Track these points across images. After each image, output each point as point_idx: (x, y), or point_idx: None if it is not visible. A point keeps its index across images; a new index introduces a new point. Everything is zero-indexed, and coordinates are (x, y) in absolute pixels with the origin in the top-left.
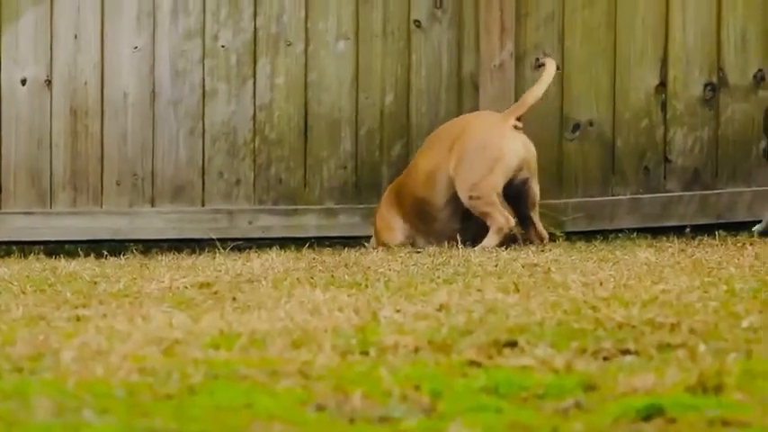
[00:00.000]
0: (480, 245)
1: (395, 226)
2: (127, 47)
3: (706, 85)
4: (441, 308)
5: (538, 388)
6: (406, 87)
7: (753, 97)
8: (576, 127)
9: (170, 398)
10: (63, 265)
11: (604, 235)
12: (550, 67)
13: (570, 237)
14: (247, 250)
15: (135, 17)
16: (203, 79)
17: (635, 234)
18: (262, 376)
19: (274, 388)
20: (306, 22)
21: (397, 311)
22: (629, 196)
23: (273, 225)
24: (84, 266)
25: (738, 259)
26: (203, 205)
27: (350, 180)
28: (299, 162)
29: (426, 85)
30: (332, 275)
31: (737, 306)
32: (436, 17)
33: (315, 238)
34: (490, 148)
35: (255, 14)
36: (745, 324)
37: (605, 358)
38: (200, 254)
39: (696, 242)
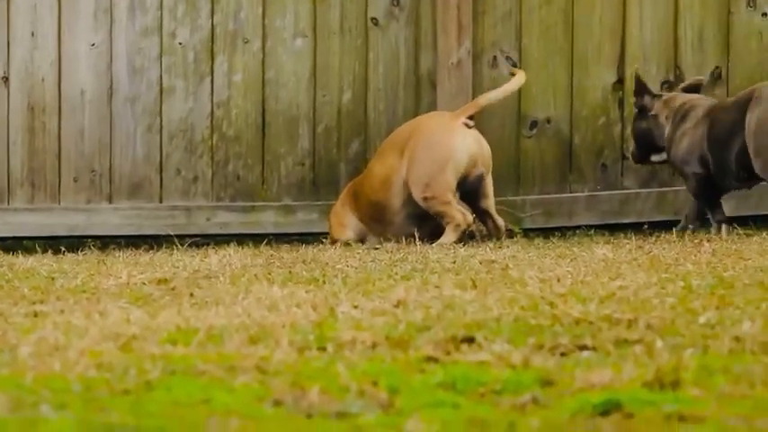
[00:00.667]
0: (438, 242)
1: (347, 223)
2: (84, 44)
3: (663, 83)
4: (398, 304)
5: (495, 383)
6: (364, 85)
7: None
8: (534, 124)
9: (127, 393)
10: (20, 261)
11: (562, 232)
12: (517, 80)
13: (528, 233)
14: (205, 247)
15: (92, 14)
16: (161, 76)
17: (593, 231)
18: (219, 372)
19: (232, 383)
20: (263, 19)
21: (355, 307)
22: (586, 193)
23: (231, 221)
24: (42, 262)
25: (695, 256)
26: (161, 202)
27: (307, 177)
28: (256, 159)
29: (384, 83)
30: (290, 272)
31: (694, 302)
32: (393, 15)
33: (273, 234)
34: (440, 147)
35: (213, 12)
36: (701, 320)
37: (562, 354)
38: (157, 250)
39: (653, 239)
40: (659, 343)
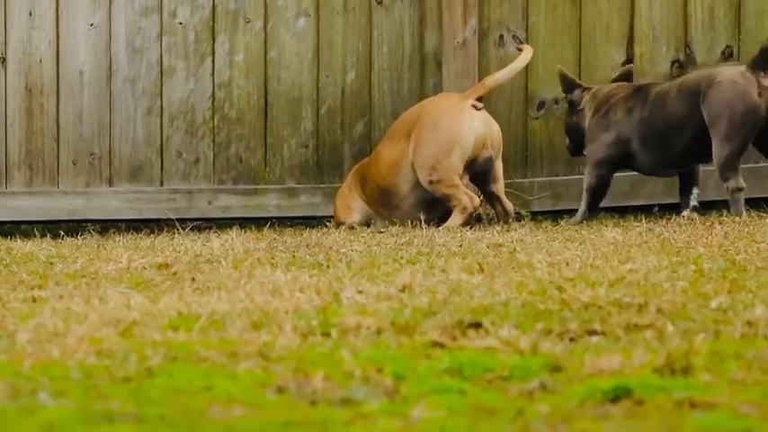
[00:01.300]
0: (444, 225)
1: (354, 206)
2: (82, 24)
3: (673, 62)
4: (404, 288)
5: (502, 370)
6: (368, 65)
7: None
8: (542, 105)
9: (128, 380)
10: (18, 245)
11: (571, 214)
12: (525, 56)
13: (536, 216)
14: (207, 230)
15: None
16: (161, 57)
17: (602, 213)
18: (221, 358)
19: (234, 370)
20: None
21: (359, 292)
22: None
23: (233, 205)
24: (41, 247)
25: (707, 238)
26: (162, 185)
27: (311, 159)
28: (259, 141)
29: (388, 63)
30: (293, 256)
31: (706, 286)
32: None
33: (275, 217)
34: (446, 129)
35: None
36: (713, 304)
37: (571, 339)
38: (158, 234)
39: (664, 221)
40: (670, 328)
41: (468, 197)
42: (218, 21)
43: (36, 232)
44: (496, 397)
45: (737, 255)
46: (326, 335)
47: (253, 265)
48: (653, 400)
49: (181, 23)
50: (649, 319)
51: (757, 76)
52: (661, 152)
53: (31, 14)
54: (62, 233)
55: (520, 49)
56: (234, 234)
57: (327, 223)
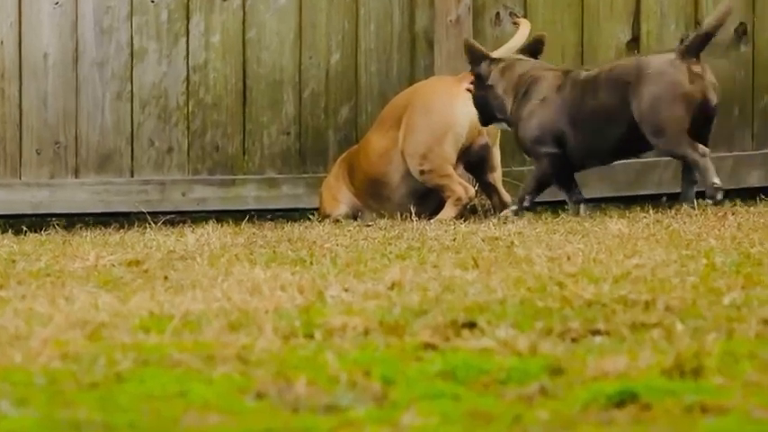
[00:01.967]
0: (436, 217)
1: (341, 197)
2: (47, 3)
3: (682, 40)
4: (393, 286)
5: (499, 372)
6: (354, 45)
7: (734, 53)
8: None
9: (95, 386)
10: None
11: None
12: (522, 32)
13: (535, 207)
14: (181, 224)
15: None
16: (131, 38)
17: (606, 204)
18: (196, 362)
19: (210, 375)
20: None
21: (345, 290)
22: None
23: (209, 197)
24: (1, 243)
25: (719, 230)
26: (132, 176)
27: (293, 147)
28: (237, 128)
29: (376, 43)
30: (273, 251)
31: (718, 281)
32: None
33: (255, 210)
34: (438, 115)
35: None
36: (726, 301)
37: (573, 339)
38: (128, 229)
39: (673, 212)
40: (679, 326)
41: (462, 187)
42: None
43: None
44: (493, 402)
45: (752, 247)
46: (310, 336)
47: (230, 262)
48: (661, 404)
49: (153, 2)
50: (657, 318)
51: (689, 64)
52: (592, 142)
53: None
54: (25, 228)
55: (516, 24)
56: (210, 228)
57: (311, 216)
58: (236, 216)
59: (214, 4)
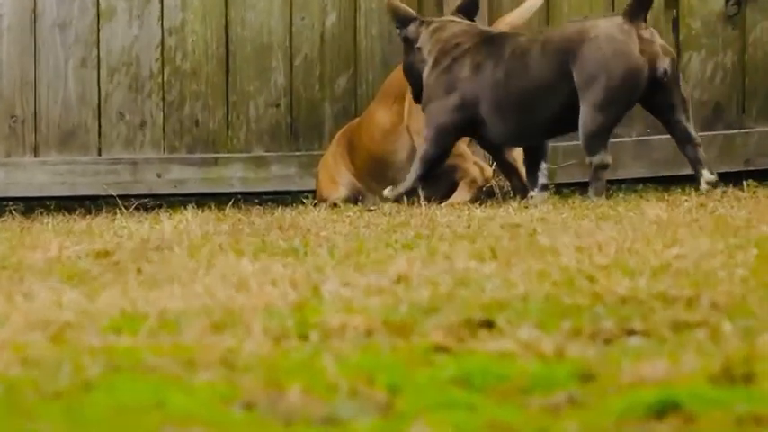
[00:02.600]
0: (448, 201)
1: (340, 179)
2: None
3: None
4: (399, 280)
5: (521, 379)
6: (353, 4)
7: None
8: None
9: (60, 396)
10: None
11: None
12: None
13: (561, 189)
14: (156, 210)
15: None
16: None
17: (642, 185)
18: (175, 368)
19: (191, 382)
20: None
21: (345, 285)
22: (634, 138)
23: (188, 178)
24: None
25: None
26: (99, 154)
27: (283, 121)
28: (219, 99)
29: (378, 2)
30: (262, 241)
31: None
32: None
33: (240, 193)
34: None
35: None
36: None
37: (606, 341)
38: (96, 215)
39: (719, 194)
40: (727, 326)
41: (477, 168)
42: None
43: None
44: (514, 413)
45: None
46: (304, 338)
47: (213, 253)
48: (707, 415)
49: None
50: (701, 316)
51: (637, 28)
52: (519, 122)
53: None
54: None
55: None
56: (189, 214)
57: (305, 200)
58: (220, 200)
59: None
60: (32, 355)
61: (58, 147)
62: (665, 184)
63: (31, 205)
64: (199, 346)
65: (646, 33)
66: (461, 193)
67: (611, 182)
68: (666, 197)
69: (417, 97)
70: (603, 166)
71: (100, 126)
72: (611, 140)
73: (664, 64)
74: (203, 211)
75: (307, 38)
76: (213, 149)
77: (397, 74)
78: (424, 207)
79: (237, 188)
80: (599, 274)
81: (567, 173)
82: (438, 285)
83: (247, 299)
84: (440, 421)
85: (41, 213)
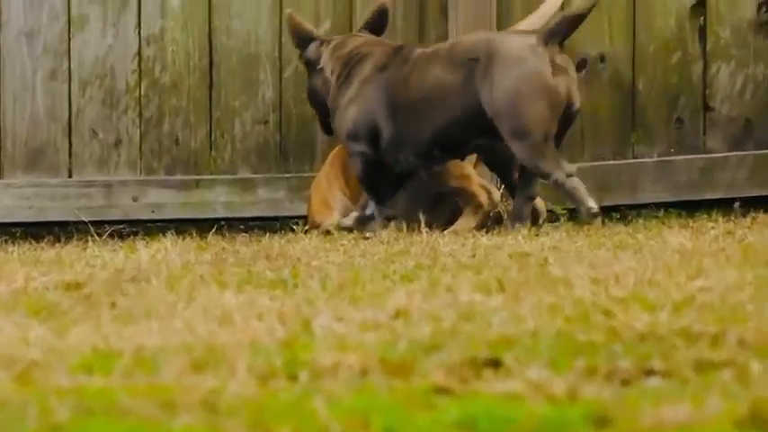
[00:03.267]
0: (452, 228)
1: (334, 202)
2: None
3: (761, 5)
4: (397, 314)
5: (530, 423)
6: (348, 11)
7: None
8: (583, 64)
9: None
10: None
11: (622, 212)
12: None
13: (575, 215)
14: (132, 237)
15: None
16: (68, 1)
17: (664, 210)
18: (152, 410)
19: (169, 426)
20: None
21: (338, 320)
22: (656, 159)
23: (167, 202)
24: None
25: None
26: (70, 176)
27: (272, 139)
28: (201, 115)
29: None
30: (248, 271)
31: None
32: None
33: (225, 219)
34: None
35: None
36: None
37: (623, 382)
38: (66, 242)
39: (748, 221)
40: (755, 366)
41: (484, 191)
42: None
43: None
44: None
45: None
46: (293, 378)
47: (194, 285)
48: None
49: None
50: (728, 355)
51: (552, 52)
52: (416, 136)
53: None
54: None
55: None
56: (168, 242)
57: (295, 226)
58: (202, 226)
59: None
60: None
61: (24, 167)
62: (690, 209)
63: None
64: (178, 387)
65: (560, 60)
66: (466, 219)
67: (629, 207)
68: (691, 224)
69: (324, 127)
70: (570, 174)
71: (71, 145)
72: (629, 161)
73: (576, 98)
74: (183, 239)
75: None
76: (195, 171)
77: None
78: (425, 234)
79: (221, 213)
80: (616, 308)
81: None
82: (440, 321)
83: (231, 335)
84: None
85: (6, 241)
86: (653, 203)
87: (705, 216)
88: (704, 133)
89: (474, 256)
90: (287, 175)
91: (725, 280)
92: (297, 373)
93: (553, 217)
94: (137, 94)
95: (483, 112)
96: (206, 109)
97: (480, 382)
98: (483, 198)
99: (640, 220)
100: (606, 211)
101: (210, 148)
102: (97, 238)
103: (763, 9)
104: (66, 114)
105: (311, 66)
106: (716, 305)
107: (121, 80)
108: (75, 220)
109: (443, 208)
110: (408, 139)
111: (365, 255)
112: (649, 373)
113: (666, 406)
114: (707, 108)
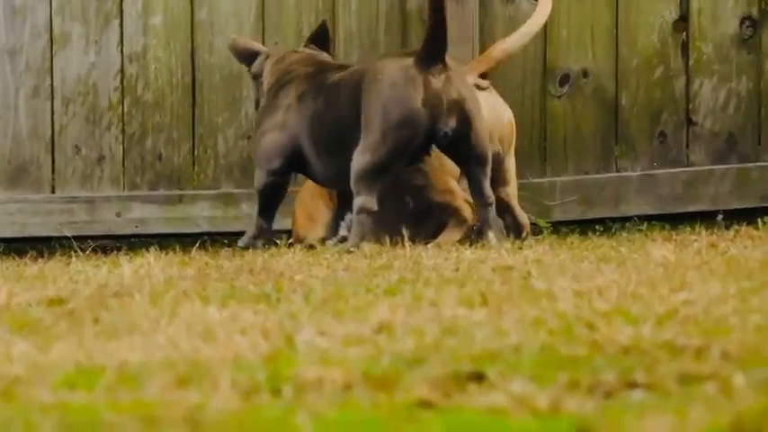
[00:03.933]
0: (435, 241)
1: (318, 217)
2: None
3: (743, 20)
4: (381, 329)
5: None
6: (331, 27)
7: None
8: (566, 79)
9: None
10: None
11: (605, 225)
12: (542, 12)
13: (559, 228)
14: (115, 252)
15: None
16: (50, 19)
17: (648, 223)
18: (135, 426)
19: None
20: None
21: (321, 334)
22: (639, 173)
23: (150, 217)
24: None
25: None
26: (53, 192)
27: None
28: (184, 131)
29: (358, 25)
30: (231, 286)
31: None
32: None
33: (208, 234)
34: None
35: None
36: None
37: (606, 395)
38: (49, 258)
39: (731, 234)
40: (739, 379)
41: (468, 206)
42: None
43: None
44: None
45: None
46: (277, 393)
47: (177, 300)
48: None
49: None
50: (711, 368)
51: (426, 75)
52: (334, 160)
53: None
54: None
55: (535, 1)
56: (151, 257)
57: (279, 241)
58: (185, 241)
59: None
60: None
61: (7, 184)
62: (673, 221)
63: None
64: (161, 403)
65: (436, 83)
66: (450, 233)
67: (612, 219)
68: (674, 236)
69: None
70: (365, 210)
71: (53, 161)
72: (612, 175)
73: (447, 125)
74: (167, 254)
75: None
76: (178, 186)
77: None
78: (408, 248)
79: (204, 228)
80: (599, 321)
81: (564, 210)
82: (423, 335)
83: (214, 350)
84: None
85: None
86: (636, 216)
87: (688, 229)
88: (687, 147)
89: (457, 269)
90: None
91: (708, 293)
92: (280, 388)
93: (536, 230)
94: (120, 110)
95: None
96: (189, 125)
97: (464, 396)
98: (467, 213)
99: (624, 233)
100: (589, 224)
101: (193, 164)
102: (80, 253)
103: (746, 24)
104: (49, 131)
105: (257, 79)
106: (699, 318)
107: (104, 97)
108: (58, 235)
109: (428, 222)
110: (336, 169)
111: (349, 269)
112: (633, 386)
113: (650, 419)
114: (690, 122)
